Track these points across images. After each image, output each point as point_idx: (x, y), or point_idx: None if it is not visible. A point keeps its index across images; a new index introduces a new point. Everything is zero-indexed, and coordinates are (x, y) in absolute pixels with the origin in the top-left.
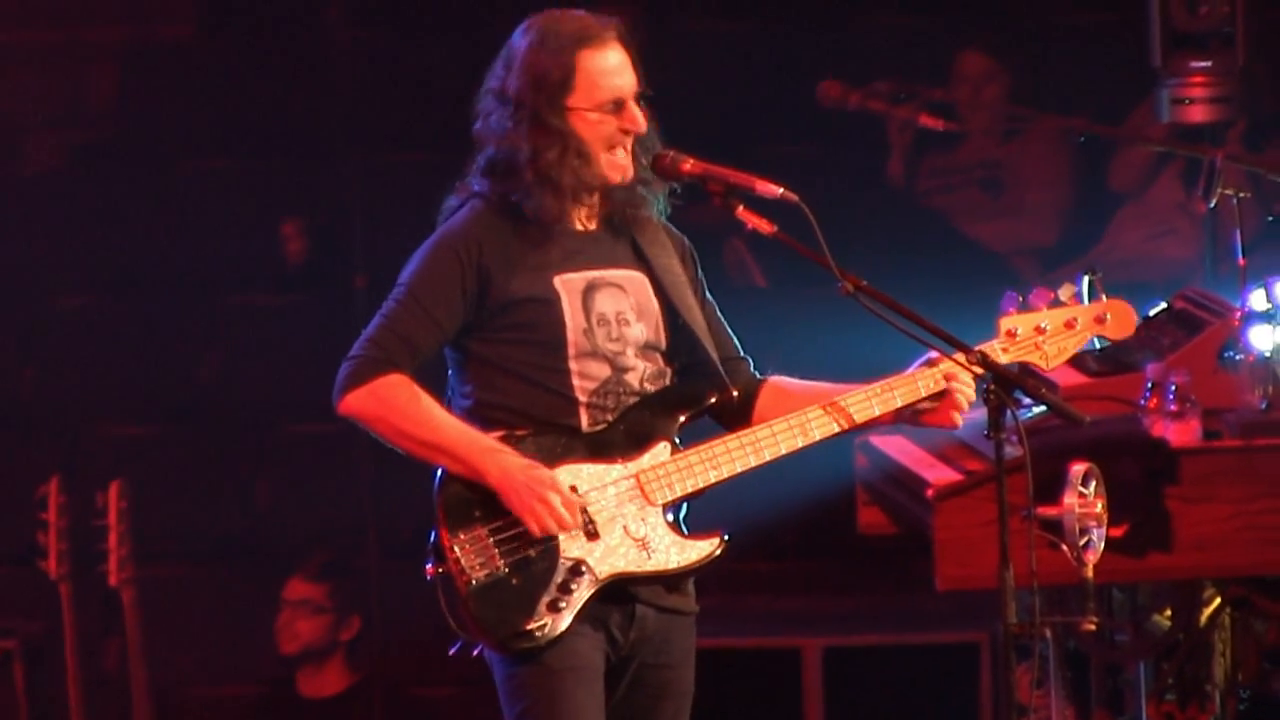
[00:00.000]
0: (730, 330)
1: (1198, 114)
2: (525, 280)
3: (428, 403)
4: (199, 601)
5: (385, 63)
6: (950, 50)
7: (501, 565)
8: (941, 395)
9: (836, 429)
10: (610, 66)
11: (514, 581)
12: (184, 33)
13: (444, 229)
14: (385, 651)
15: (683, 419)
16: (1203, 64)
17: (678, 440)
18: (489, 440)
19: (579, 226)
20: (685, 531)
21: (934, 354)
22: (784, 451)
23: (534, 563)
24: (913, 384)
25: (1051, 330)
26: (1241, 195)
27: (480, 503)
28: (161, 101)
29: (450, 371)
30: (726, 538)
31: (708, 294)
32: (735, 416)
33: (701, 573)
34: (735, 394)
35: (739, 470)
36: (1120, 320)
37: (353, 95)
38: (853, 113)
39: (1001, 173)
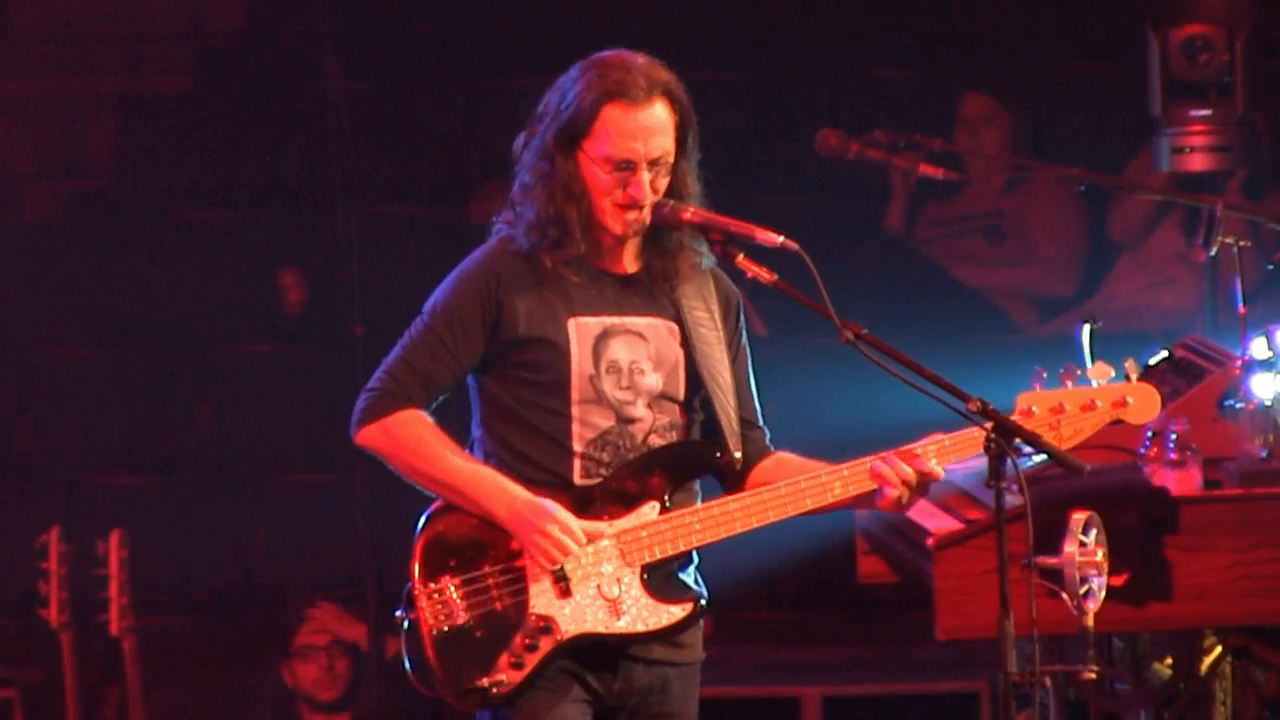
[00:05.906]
0: (755, 394)
1: (1197, 163)
2: (536, 320)
3: (439, 439)
4: (197, 651)
5: (382, 113)
6: (948, 100)
7: (466, 618)
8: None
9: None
10: (631, 127)
11: (477, 635)
12: (181, 84)
13: (468, 260)
14: (384, 698)
15: (682, 480)
16: (1202, 113)
17: (668, 502)
18: (497, 478)
19: (613, 269)
20: (660, 595)
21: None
22: (772, 519)
23: (500, 617)
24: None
25: (1070, 411)
26: (1241, 244)
27: (458, 552)
28: (159, 152)
29: (471, 399)
30: (702, 602)
31: (744, 352)
32: (733, 481)
33: (672, 636)
34: (738, 458)
35: (724, 536)
36: (1143, 404)
37: (350, 145)
38: (850, 162)
39: (1005, 221)
